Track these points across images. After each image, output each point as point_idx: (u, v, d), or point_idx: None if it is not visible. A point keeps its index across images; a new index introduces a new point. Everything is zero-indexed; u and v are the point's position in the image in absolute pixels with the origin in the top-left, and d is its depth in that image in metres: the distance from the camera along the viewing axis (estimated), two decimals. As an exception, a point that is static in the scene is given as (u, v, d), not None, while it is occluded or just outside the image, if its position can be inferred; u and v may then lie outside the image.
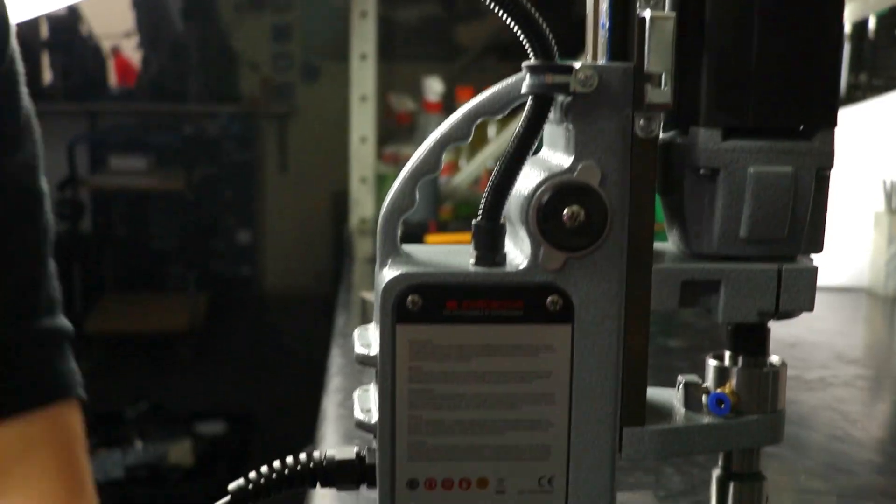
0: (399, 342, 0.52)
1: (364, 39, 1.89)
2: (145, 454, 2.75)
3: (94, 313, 3.87)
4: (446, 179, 1.94)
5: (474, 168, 1.95)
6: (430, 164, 0.55)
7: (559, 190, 0.51)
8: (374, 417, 0.54)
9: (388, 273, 0.53)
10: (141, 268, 4.43)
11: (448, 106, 2.11)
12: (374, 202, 1.94)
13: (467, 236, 1.71)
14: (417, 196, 0.56)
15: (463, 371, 0.53)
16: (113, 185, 4.12)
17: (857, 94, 1.66)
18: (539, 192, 0.52)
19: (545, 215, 0.51)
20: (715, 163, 0.52)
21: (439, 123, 1.87)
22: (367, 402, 0.57)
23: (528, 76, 0.51)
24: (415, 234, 1.79)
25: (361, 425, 0.56)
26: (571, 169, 0.52)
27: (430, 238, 1.78)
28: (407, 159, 1.47)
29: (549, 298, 0.52)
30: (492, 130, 2.17)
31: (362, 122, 1.91)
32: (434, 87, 2.01)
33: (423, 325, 0.52)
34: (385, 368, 0.53)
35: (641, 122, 0.51)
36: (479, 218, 0.53)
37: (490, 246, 0.53)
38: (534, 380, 0.53)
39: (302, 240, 4.69)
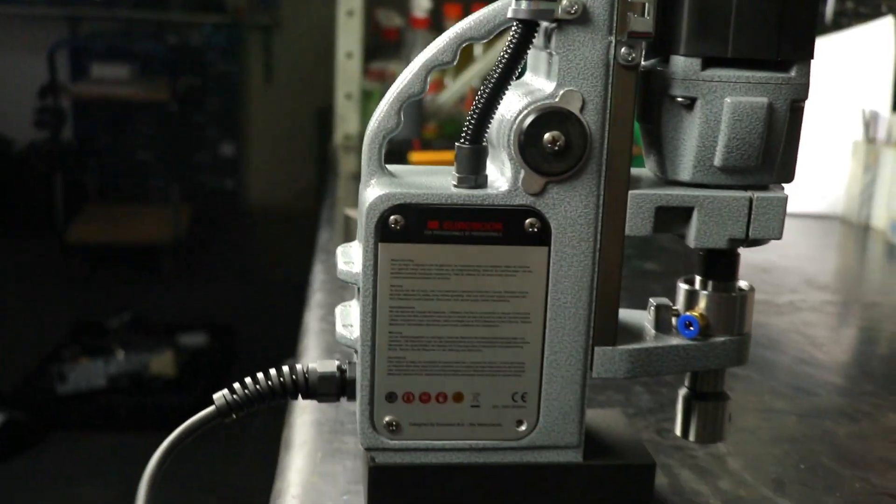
0: (381, 260, 0.54)
1: (351, -48, 1.86)
2: (127, 364, 2.78)
3: (76, 223, 3.87)
4: (431, 97, 1.94)
5: (460, 86, 1.95)
6: (415, 87, 0.56)
7: (540, 115, 0.53)
8: (356, 333, 0.56)
9: (372, 193, 0.54)
10: (123, 178, 4.42)
11: (436, 22, 2.10)
12: (359, 119, 1.93)
13: (451, 155, 1.71)
14: (402, 118, 0.57)
15: (442, 289, 0.55)
16: (95, 94, 4.07)
17: (843, 21, 1.66)
18: (521, 116, 0.53)
19: (526, 140, 0.53)
20: (692, 92, 0.53)
21: (427, 40, 1.91)
22: (349, 318, 0.59)
23: (514, 1, 0.52)
24: (399, 153, 1.79)
25: (343, 340, 0.58)
26: (553, 95, 0.53)
27: (414, 156, 1.79)
28: (393, 76, 1.50)
29: (528, 221, 0.54)
30: (478, 49, 2.15)
31: (349, 38, 1.90)
32: (422, 4, 2.00)
33: (405, 244, 0.54)
34: (367, 286, 0.55)
35: (623, 49, 0.52)
36: (462, 140, 0.54)
37: (472, 168, 0.54)
38: (510, 299, 0.55)
39: (286, 154, 4.68)
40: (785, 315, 1.02)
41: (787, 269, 1.20)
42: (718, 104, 0.53)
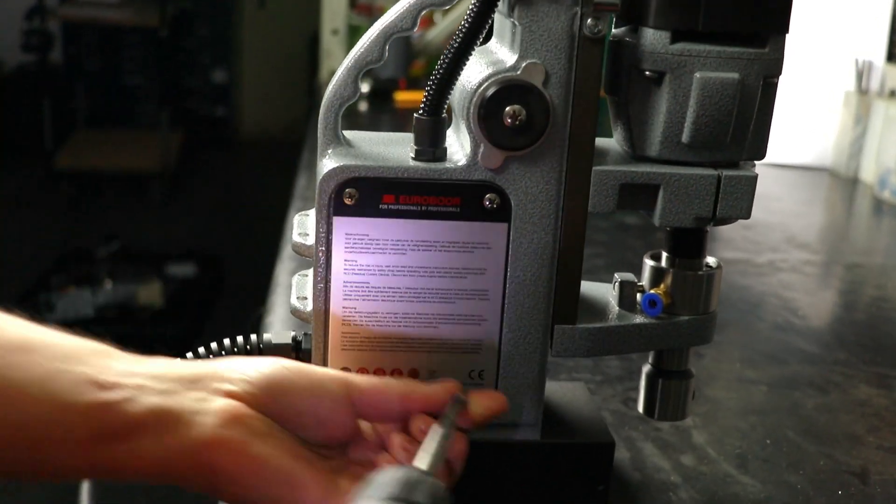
0: (335, 234, 0.52)
1: None
2: (115, 294, 2.77)
3: (65, 149, 3.83)
4: (420, 34, 1.90)
5: (449, 23, 1.91)
6: (374, 54, 0.54)
7: (501, 88, 0.50)
8: (310, 306, 0.55)
9: (327, 164, 0.52)
10: (113, 104, 4.36)
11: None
12: (344, 54, 1.89)
13: None
14: (359, 85, 0.55)
15: (398, 265, 0.53)
16: (84, 17, 4.00)
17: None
18: (481, 89, 0.51)
19: (486, 113, 0.51)
20: (661, 66, 0.51)
21: None
22: (304, 290, 0.57)
23: None
24: (385, 91, 1.77)
25: (296, 312, 0.56)
26: (515, 67, 0.50)
27: (400, 95, 1.76)
28: (381, 10, 1.45)
29: (487, 196, 0.52)
30: (469, -16, 2.11)
31: (335, -29, 1.85)
32: (411, -64, 1.94)
33: (360, 218, 0.52)
34: (320, 260, 0.53)
35: (589, 21, 0.50)
36: (420, 112, 0.52)
37: (430, 141, 0.52)
38: (468, 276, 0.54)
39: (279, 81, 4.61)
40: (764, 276, 1.01)
41: (770, 226, 1.18)
42: (688, 79, 0.51)
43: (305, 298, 0.56)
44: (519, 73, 0.50)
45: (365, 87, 1.76)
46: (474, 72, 0.52)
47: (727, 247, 1.08)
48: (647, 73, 0.51)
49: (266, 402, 0.47)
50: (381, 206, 0.52)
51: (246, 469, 0.45)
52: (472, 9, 0.50)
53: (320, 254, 0.53)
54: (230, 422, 0.45)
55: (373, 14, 2.01)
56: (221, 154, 4.48)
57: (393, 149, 0.55)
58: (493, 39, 0.57)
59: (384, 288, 0.53)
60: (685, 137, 0.52)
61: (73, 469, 0.44)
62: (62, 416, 0.42)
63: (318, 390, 0.49)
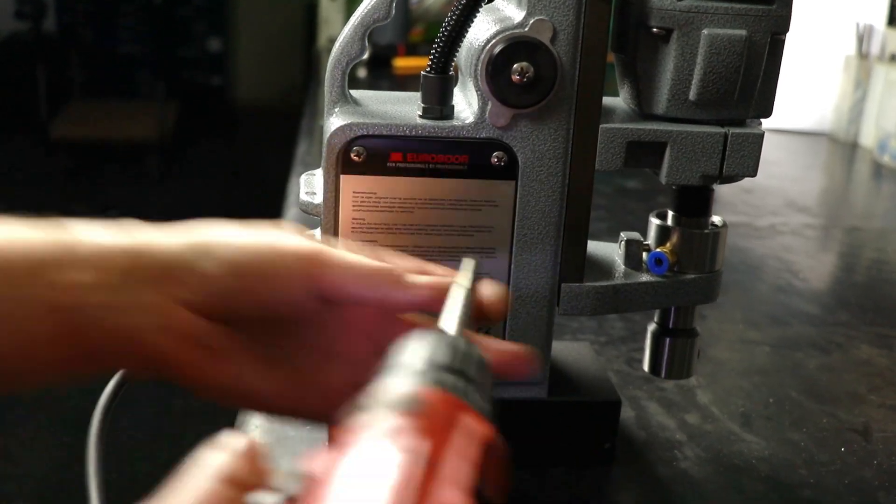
0: (343, 192, 0.52)
1: None
2: (113, 263, 2.77)
3: (60, 119, 3.81)
4: (418, 0, 1.89)
5: (447, -11, 1.90)
6: (381, 11, 0.53)
7: (509, 45, 0.50)
8: (318, 199, 0.55)
9: (334, 122, 0.52)
10: (108, 73, 4.34)
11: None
12: (343, 21, 1.88)
13: None
14: (367, 44, 0.54)
15: (406, 223, 0.53)
16: (77, -15, 3.97)
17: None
18: (488, 46, 0.50)
19: (494, 71, 0.50)
20: (669, 23, 0.51)
21: None
22: (313, 186, 0.57)
23: None
24: (384, 56, 1.76)
25: (306, 206, 0.56)
26: (523, 24, 0.50)
27: (399, 61, 1.75)
28: None
29: (495, 154, 0.52)
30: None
31: (332, -64, 1.84)
32: None
33: (367, 175, 0.52)
34: (328, 218, 0.53)
35: (597, -23, 0.50)
36: (428, 69, 0.52)
37: (437, 98, 0.52)
38: (475, 234, 0.54)
39: (275, 50, 4.59)
40: (765, 239, 1.01)
41: (770, 190, 1.19)
42: (695, 36, 0.51)
43: (314, 193, 0.56)
44: (527, 29, 0.50)
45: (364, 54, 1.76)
46: (481, 29, 0.52)
47: (728, 210, 1.08)
48: (655, 30, 0.51)
49: (222, 306, 0.44)
50: (388, 164, 0.52)
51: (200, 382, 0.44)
52: None
53: (328, 212, 0.53)
54: (180, 340, 0.43)
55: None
56: (218, 123, 4.47)
57: (400, 107, 0.55)
58: None
59: (391, 246, 0.53)
60: (692, 95, 0.52)
61: (42, 377, 0.43)
62: (27, 347, 0.41)
63: (280, 275, 0.45)
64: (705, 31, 0.51)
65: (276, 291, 0.45)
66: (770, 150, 1.37)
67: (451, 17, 0.50)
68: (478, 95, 0.51)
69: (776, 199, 1.15)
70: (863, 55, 1.41)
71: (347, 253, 0.46)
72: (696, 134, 0.53)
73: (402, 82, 1.71)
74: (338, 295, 0.45)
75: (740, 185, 1.17)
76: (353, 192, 0.52)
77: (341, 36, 0.54)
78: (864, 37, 1.42)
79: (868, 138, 1.38)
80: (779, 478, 0.58)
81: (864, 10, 1.43)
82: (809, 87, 1.45)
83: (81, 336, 0.42)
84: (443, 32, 0.51)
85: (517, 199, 0.53)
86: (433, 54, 0.52)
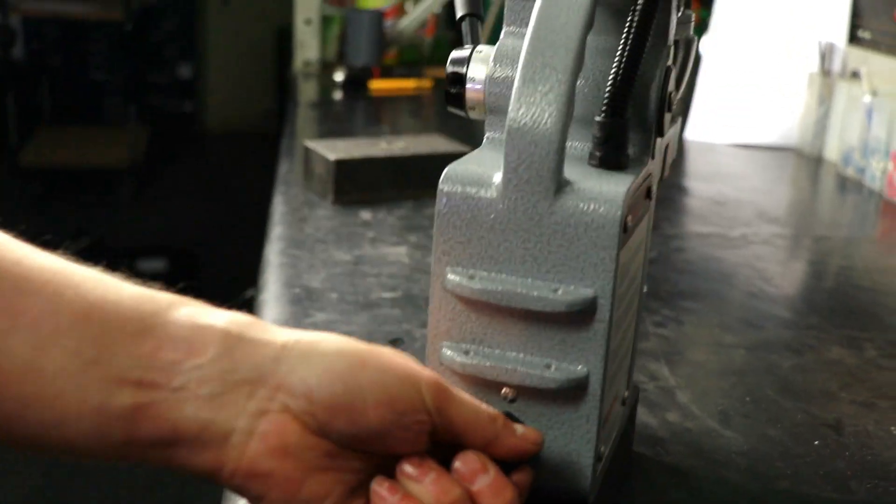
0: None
1: None
2: (87, 289, 2.76)
3: (30, 145, 3.80)
4: (392, 23, 1.92)
5: (420, 12, 1.93)
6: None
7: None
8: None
9: (610, 191, 0.46)
10: (78, 100, 4.34)
11: (395, -53, 2.06)
12: (318, 44, 1.91)
13: (411, 83, 1.75)
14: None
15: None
16: (45, 12, 3.96)
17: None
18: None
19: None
20: None
21: None
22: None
23: None
24: (359, 79, 1.79)
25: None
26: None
27: (374, 84, 1.78)
28: (353, 1, 1.45)
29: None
30: (439, -26, 2.13)
31: (307, -38, 1.87)
32: (382, -73, 1.97)
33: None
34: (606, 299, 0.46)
35: None
36: (603, 115, 0.48)
37: (620, 145, 0.48)
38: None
39: (245, 75, 4.61)
40: (738, 248, 1.04)
41: (741, 202, 1.22)
42: None
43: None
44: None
45: (339, 76, 1.78)
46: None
47: (701, 222, 1.12)
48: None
49: (326, 420, 0.42)
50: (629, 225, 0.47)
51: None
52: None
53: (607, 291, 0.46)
54: (278, 452, 0.41)
55: (345, 3, 2.03)
56: (189, 149, 4.47)
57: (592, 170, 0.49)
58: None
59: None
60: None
61: (107, 459, 0.41)
62: (95, 419, 0.39)
63: (395, 401, 0.42)
64: None
65: (395, 415, 0.42)
66: (740, 164, 1.42)
67: (620, 60, 0.47)
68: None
69: (747, 211, 1.18)
70: (825, 73, 1.46)
71: (464, 396, 0.45)
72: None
73: (378, 104, 1.74)
74: (448, 430, 0.44)
75: (713, 199, 1.21)
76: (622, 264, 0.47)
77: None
78: (826, 55, 1.46)
79: (832, 152, 1.43)
80: (758, 470, 0.61)
81: (826, 29, 1.48)
82: (776, 103, 1.50)
83: (156, 417, 0.40)
84: (617, 75, 0.47)
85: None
86: (609, 98, 0.47)
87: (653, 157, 0.52)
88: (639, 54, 0.47)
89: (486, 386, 0.48)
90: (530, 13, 0.49)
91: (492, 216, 0.46)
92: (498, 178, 0.46)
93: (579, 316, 0.46)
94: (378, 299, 0.85)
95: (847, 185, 1.35)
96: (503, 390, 0.48)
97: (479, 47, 0.53)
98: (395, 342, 0.77)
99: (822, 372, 0.76)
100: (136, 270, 2.54)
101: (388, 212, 1.08)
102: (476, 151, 0.51)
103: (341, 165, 1.09)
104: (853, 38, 1.46)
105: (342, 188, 1.10)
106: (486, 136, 0.53)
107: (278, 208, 1.08)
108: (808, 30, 1.49)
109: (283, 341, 0.43)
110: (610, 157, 0.48)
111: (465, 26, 0.57)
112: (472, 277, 0.47)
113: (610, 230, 0.45)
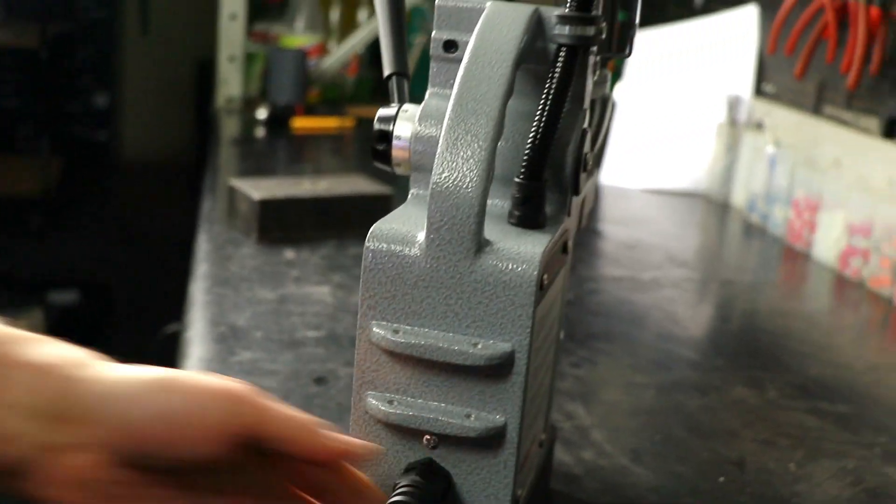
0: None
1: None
2: (-5, 322, 2.70)
3: (-61, 174, 3.71)
4: (315, 62, 1.95)
5: (344, 52, 1.96)
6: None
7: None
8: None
9: (526, 252, 0.48)
10: (-11, 128, 4.25)
11: (320, -14, 2.09)
12: (241, 81, 1.93)
13: (333, 121, 1.78)
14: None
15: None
16: (-43, 38, 3.89)
17: (713, 5, 1.74)
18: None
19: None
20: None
21: (311, 4, 1.92)
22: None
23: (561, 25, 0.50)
24: (282, 117, 1.81)
25: None
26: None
27: (297, 122, 1.80)
28: (276, 38, 1.47)
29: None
30: (362, 15, 2.17)
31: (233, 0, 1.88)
32: (307, -33, 1.99)
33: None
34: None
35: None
36: (522, 177, 0.50)
37: (537, 206, 0.51)
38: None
39: (164, 107, 4.57)
40: (648, 292, 1.09)
41: (652, 246, 1.27)
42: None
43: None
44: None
45: (262, 114, 1.80)
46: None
47: (615, 265, 1.16)
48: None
49: (139, 449, 0.44)
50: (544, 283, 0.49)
51: None
52: (563, 62, 0.50)
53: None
54: (81, 487, 0.43)
55: (268, 41, 2.05)
56: (104, 179, 4.41)
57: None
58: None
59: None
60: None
61: None
62: None
63: (206, 419, 0.44)
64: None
65: (209, 432, 0.44)
66: (652, 210, 1.47)
67: (538, 123, 0.50)
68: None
69: (658, 255, 1.23)
70: (732, 123, 1.53)
71: (270, 398, 0.47)
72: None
73: (301, 142, 1.76)
74: (267, 440, 0.46)
75: (624, 242, 1.26)
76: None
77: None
78: (732, 106, 1.53)
79: (738, 198, 1.50)
80: (666, 505, 0.65)
81: (732, 81, 1.55)
82: (686, 152, 1.56)
83: None
84: (535, 138, 0.50)
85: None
86: (527, 161, 0.50)
87: (569, 215, 0.55)
88: (555, 120, 0.50)
89: (409, 433, 0.50)
90: (454, 76, 0.52)
91: (415, 273, 0.49)
92: (422, 236, 0.49)
93: (497, 369, 0.48)
94: (303, 338, 0.86)
95: (752, 230, 1.41)
96: (425, 438, 0.50)
97: (406, 106, 0.56)
98: (319, 381, 0.79)
99: (727, 411, 0.81)
100: (46, 303, 2.49)
101: (311, 251, 1.10)
102: (402, 208, 0.54)
103: (265, 205, 1.11)
104: (758, 91, 1.54)
105: (266, 227, 1.12)
106: (411, 192, 0.55)
107: (202, 245, 1.09)
108: (716, 82, 1.56)
109: (93, 376, 0.44)
110: (528, 216, 0.51)
111: (391, 85, 0.59)
112: (396, 331, 0.49)
113: (527, 289, 0.47)
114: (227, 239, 1.12)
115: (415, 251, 0.49)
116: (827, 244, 1.24)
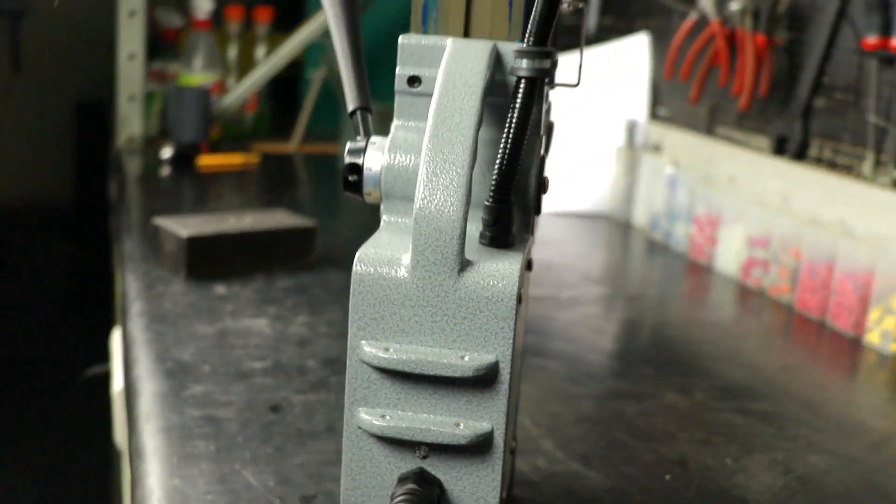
0: None
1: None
2: None
3: None
4: (216, 99, 1.95)
5: (244, 89, 1.97)
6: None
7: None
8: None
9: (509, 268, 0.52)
10: None
11: (217, 24, 2.10)
12: (141, 121, 1.92)
13: (238, 157, 1.80)
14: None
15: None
16: None
17: (604, 34, 1.82)
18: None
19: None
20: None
21: (208, 42, 1.95)
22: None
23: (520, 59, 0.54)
24: (187, 155, 1.81)
25: None
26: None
27: (203, 160, 1.80)
28: (174, 77, 1.47)
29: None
30: (260, 52, 2.18)
31: (131, 39, 1.87)
32: (203, 5, 2.00)
33: None
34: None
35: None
36: (491, 200, 0.54)
37: (506, 227, 0.55)
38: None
39: (38, 150, 4.45)
40: (570, 309, 1.14)
41: (566, 266, 1.33)
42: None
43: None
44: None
45: (167, 153, 1.79)
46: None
47: (535, 285, 1.21)
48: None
49: None
50: None
51: None
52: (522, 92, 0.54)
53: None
54: None
55: (166, 80, 2.04)
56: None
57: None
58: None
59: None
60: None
61: None
62: None
63: None
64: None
65: None
66: (560, 231, 1.53)
67: (504, 150, 0.53)
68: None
69: (573, 275, 1.29)
70: (631, 146, 1.61)
71: None
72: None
73: (206, 180, 1.76)
74: None
75: (540, 263, 1.31)
76: None
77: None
78: (630, 130, 1.61)
79: (640, 218, 1.57)
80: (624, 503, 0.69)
81: (629, 107, 1.63)
82: (588, 175, 1.63)
83: None
84: (501, 164, 0.53)
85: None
86: (494, 184, 0.54)
87: (531, 234, 0.59)
88: (519, 147, 0.54)
89: (401, 445, 0.54)
90: (418, 109, 0.56)
91: (402, 293, 0.52)
92: (406, 259, 0.52)
93: (483, 379, 0.52)
94: (250, 369, 0.88)
95: (655, 247, 1.49)
96: (416, 448, 0.53)
97: (373, 139, 0.59)
98: (275, 409, 0.80)
99: (662, 415, 0.86)
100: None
101: (242, 285, 1.11)
102: (379, 234, 0.57)
103: (193, 242, 1.12)
104: (654, 116, 1.62)
105: (195, 264, 1.13)
106: (383, 219, 0.59)
107: (132, 285, 1.10)
108: (614, 108, 1.64)
109: None
110: (499, 237, 0.55)
111: (356, 119, 0.62)
112: (387, 349, 0.53)
113: (508, 303, 0.52)
114: (155, 277, 1.12)
115: (401, 273, 0.52)
116: (728, 257, 1.32)
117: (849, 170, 1.22)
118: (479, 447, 0.53)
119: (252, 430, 0.76)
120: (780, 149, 1.32)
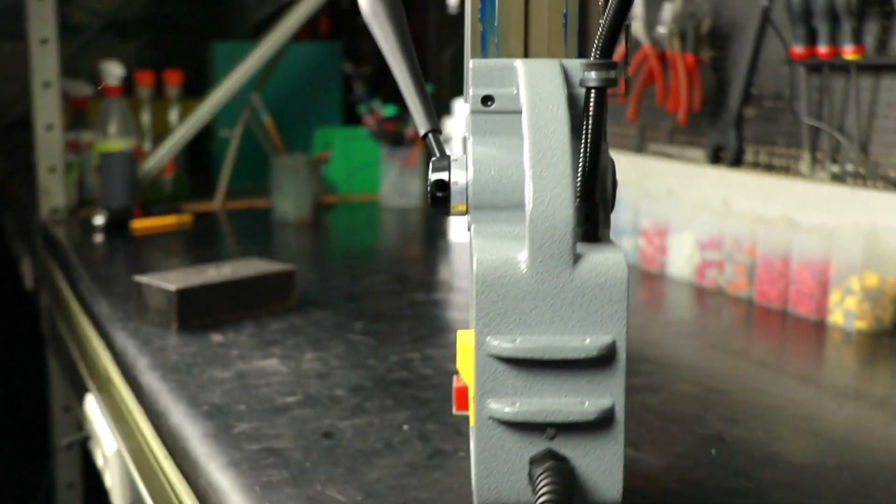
0: None
1: (44, 23, 1.82)
2: None
3: None
4: (139, 163, 1.94)
5: (164, 153, 1.97)
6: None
7: None
8: None
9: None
10: None
11: (129, 90, 2.09)
12: (65, 192, 1.89)
13: (172, 219, 1.83)
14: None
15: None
16: None
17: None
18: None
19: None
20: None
21: (121, 108, 1.97)
22: None
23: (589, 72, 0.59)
24: (120, 220, 1.79)
25: None
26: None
27: (137, 223, 1.79)
28: (89, 145, 1.51)
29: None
30: (173, 115, 2.18)
31: (48, 110, 1.85)
32: (114, 72, 1.99)
33: None
34: None
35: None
36: (580, 200, 0.58)
37: (596, 223, 0.60)
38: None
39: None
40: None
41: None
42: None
43: None
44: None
45: (99, 220, 1.77)
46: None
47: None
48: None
49: None
50: None
51: None
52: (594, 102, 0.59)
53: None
54: None
55: (80, 150, 2.02)
56: None
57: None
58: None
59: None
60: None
61: None
62: None
63: None
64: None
65: None
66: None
67: (584, 152, 0.59)
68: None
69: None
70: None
71: None
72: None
73: (141, 242, 1.75)
74: None
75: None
76: None
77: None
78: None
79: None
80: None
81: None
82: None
83: None
84: (584, 166, 0.59)
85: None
86: (581, 185, 0.59)
87: (608, 228, 0.64)
88: (598, 149, 0.59)
89: (530, 429, 0.58)
90: (493, 125, 0.62)
91: (523, 288, 0.57)
92: (522, 256, 0.57)
93: (605, 358, 0.57)
94: (284, 404, 0.90)
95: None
96: (545, 430, 0.57)
97: (454, 156, 0.64)
98: (327, 435, 0.83)
99: (682, 403, 0.92)
100: None
101: (235, 332, 1.13)
102: (475, 242, 0.61)
103: (183, 294, 1.13)
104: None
105: (185, 316, 1.13)
106: (472, 228, 0.62)
107: (128, 342, 1.09)
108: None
109: None
110: (590, 232, 0.60)
111: (429, 141, 0.67)
112: (513, 341, 0.57)
113: (620, 287, 0.57)
114: (146, 333, 1.12)
115: (521, 269, 0.56)
116: (680, 262, 1.40)
117: (787, 170, 1.32)
118: (603, 422, 0.58)
119: (316, 456, 0.78)
120: (716, 158, 1.42)
